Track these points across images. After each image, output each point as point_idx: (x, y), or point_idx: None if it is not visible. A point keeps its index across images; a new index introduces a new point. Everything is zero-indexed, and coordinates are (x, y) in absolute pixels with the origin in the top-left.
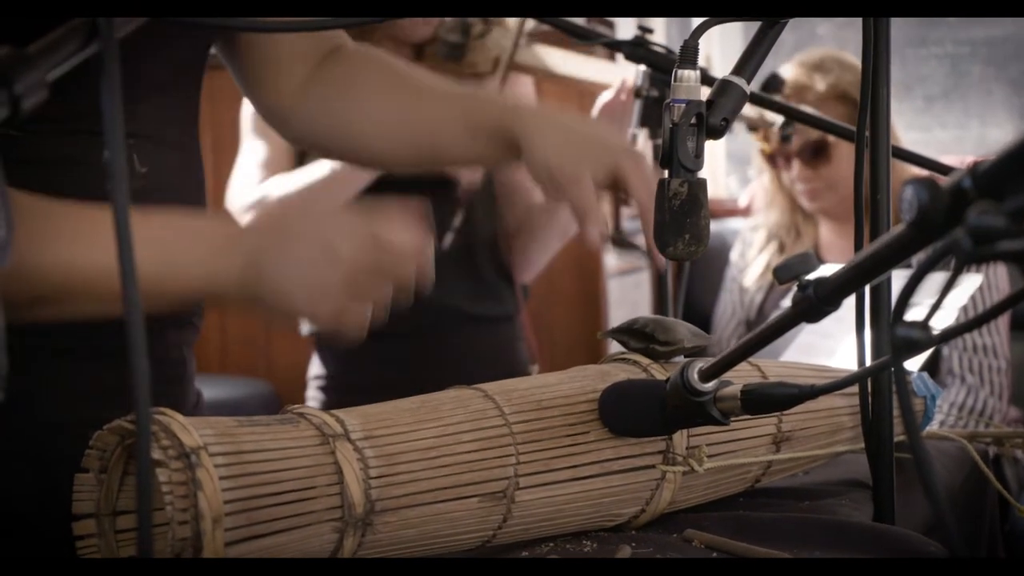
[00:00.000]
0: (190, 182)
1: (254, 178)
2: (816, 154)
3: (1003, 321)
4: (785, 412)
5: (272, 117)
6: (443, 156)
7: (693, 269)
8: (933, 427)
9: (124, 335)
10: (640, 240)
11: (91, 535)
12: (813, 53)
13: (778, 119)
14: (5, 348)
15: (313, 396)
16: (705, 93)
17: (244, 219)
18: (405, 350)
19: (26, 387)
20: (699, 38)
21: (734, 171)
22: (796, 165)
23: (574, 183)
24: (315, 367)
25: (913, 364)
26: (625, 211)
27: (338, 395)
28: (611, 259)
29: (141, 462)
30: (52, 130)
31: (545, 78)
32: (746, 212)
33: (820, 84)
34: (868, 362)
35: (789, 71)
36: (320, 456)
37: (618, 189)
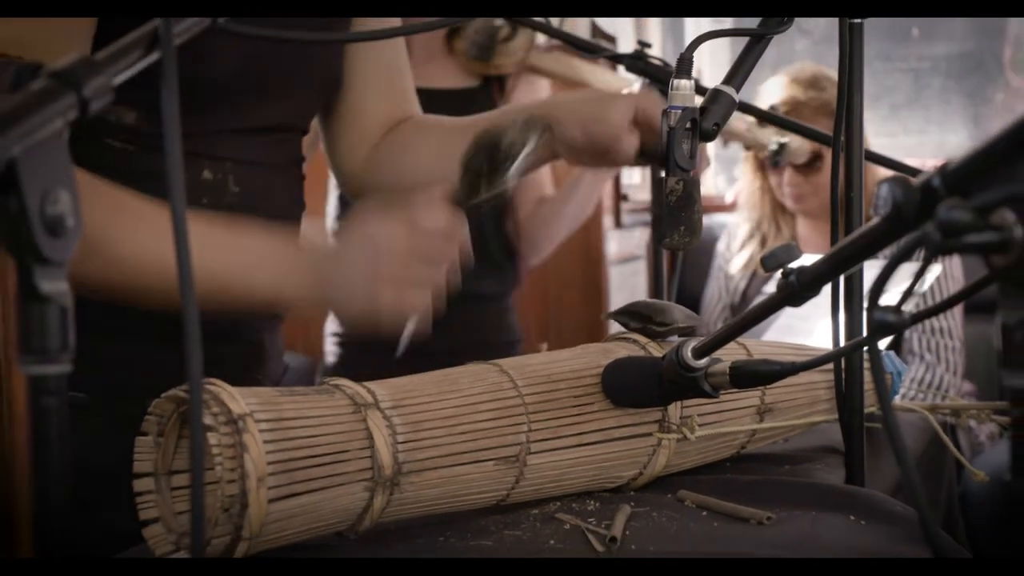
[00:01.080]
0: (285, 202)
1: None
2: (809, 164)
3: (957, 305)
4: (768, 386)
5: (343, 179)
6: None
7: (685, 258)
8: (897, 400)
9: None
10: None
11: (149, 492)
12: (805, 70)
13: (770, 143)
14: (73, 325)
15: (331, 351)
16: (698, 101)
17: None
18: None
19: (98, 361)
20: (693, 51)
21: (722, 171)
22: (788, 172)
23: (602, 123)
24: (331, 324)
25: (881, 344)
26: (624, 205)
27: (351, 351)
28: (612, 249)
29: (194, 427)
30: (145, 146)
31: (559, 81)
32: (731, 208)
33: (814, 100)
34: (842, 342)
35: (784, 87)
36: (353, 423)
37: (640, 124)
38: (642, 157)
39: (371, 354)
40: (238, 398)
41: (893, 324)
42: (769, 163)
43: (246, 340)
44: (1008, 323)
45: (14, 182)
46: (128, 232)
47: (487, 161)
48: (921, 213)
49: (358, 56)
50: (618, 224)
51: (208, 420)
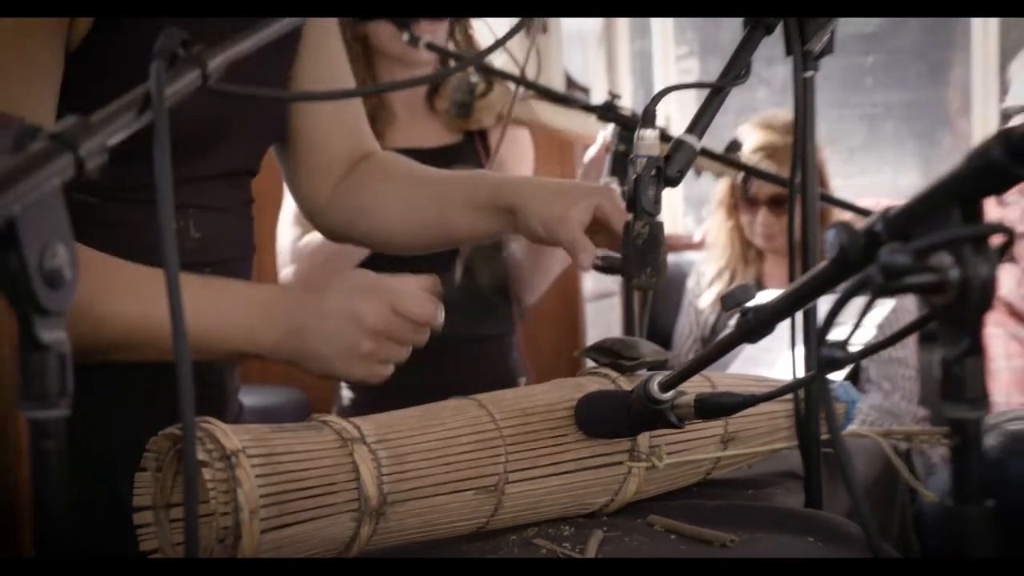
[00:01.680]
0: (240, 242)
1: (290, 233)
2: (780, 204)
3: (911, 336)
4: (731, 416)
5: (310, 214)
6: (452, 235)
7: (657, 294)
8: (854, 427)
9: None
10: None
11: (149, 524)
12: (778, 117)
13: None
14: (71, 371)
15: (345, 395)
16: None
17: (286, 266)
18: (417, 360)
19: (92, 405)
20: (656, 104)
21: (691, 212)
22: (762, 212)
23: (563, 224)
24: None
25: (838, 375)
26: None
27: (361, 391)
28: (588, 286)
29: (187, 463)
30: (121, 199)
31: (537, 129)
32: (700, 246)
33: (789, 145)
34: (800, 374)
35: (760, 133)
36: (340, 457)
37: (599, 224)
38: (600, 269)
39: (378, 395)
40: (231, 435)
41: (839, 360)
42: (740, 189)
43: (208, 382)
44: (947, 358)
45: (14, 239)
46: (105, 289)
47: (485, 261)
48: (865, 256)
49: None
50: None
51: (202, 456)
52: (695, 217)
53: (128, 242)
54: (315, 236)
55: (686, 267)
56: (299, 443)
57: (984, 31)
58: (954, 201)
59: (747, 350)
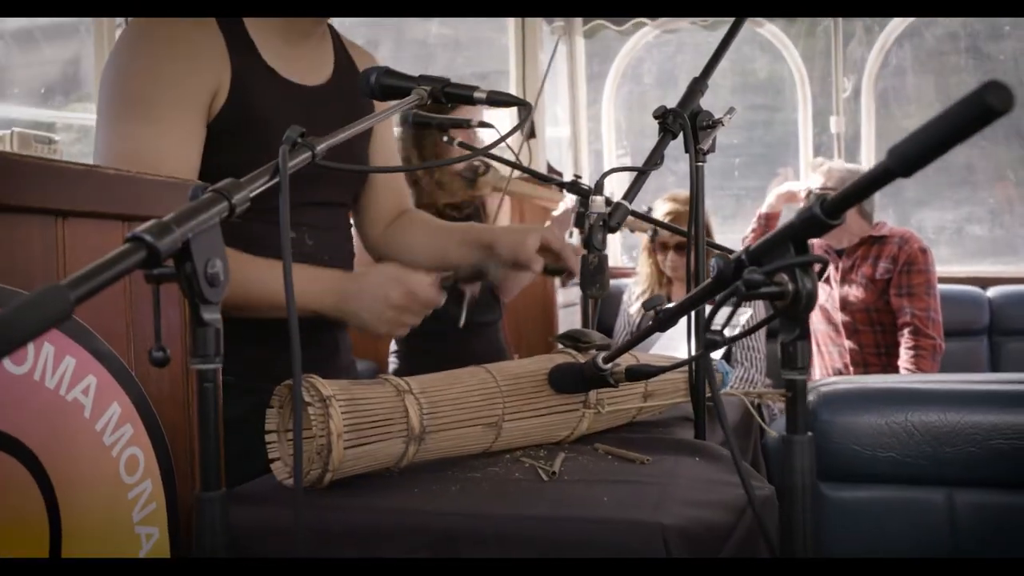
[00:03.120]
0: (341, 250)
1: None
2: (683, 248)
3: (761, 330)
4: (649, 380)
5: (365, 244)
6: (451, 262)
7: (603, 303)
8: (727, 389)
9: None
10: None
11: (273, 442)
12: (681, 194)
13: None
14: (222, 342)
15: (392, 361)
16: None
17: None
18: (439, 340)
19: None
20: (603, 180)
21: (626, 253)
22: (671, 253)
23: (522, 248)
24: (393, 345)
25: (716, 355)
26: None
27: (404, 361)
28: (560, 299)
29: (295, 403)
30: (257, 220)
31: (522, 198)
32: (632, 274)
33: (687, 211)
34: (693, 353)
35: (668, 204)
36: (396, 402)
37: (545, 247)
38: (546, 272)
39: (414, 364)
40: (327, 385)
41: (716, 341)
42: (649, 240)
43: (327, 339)
44: (784, 340)
45: (188, 254)
46: (235, 268)
47: (470, 275)
48: (734, 275)
49: (377, 164)
50: (563, 284)
51: (307, 399)
52: (629, 256)
53: (259, 246)
54: None
55: (622, 287)
56: (370, 392)
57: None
58: (790, 240)
59: (661, 340)
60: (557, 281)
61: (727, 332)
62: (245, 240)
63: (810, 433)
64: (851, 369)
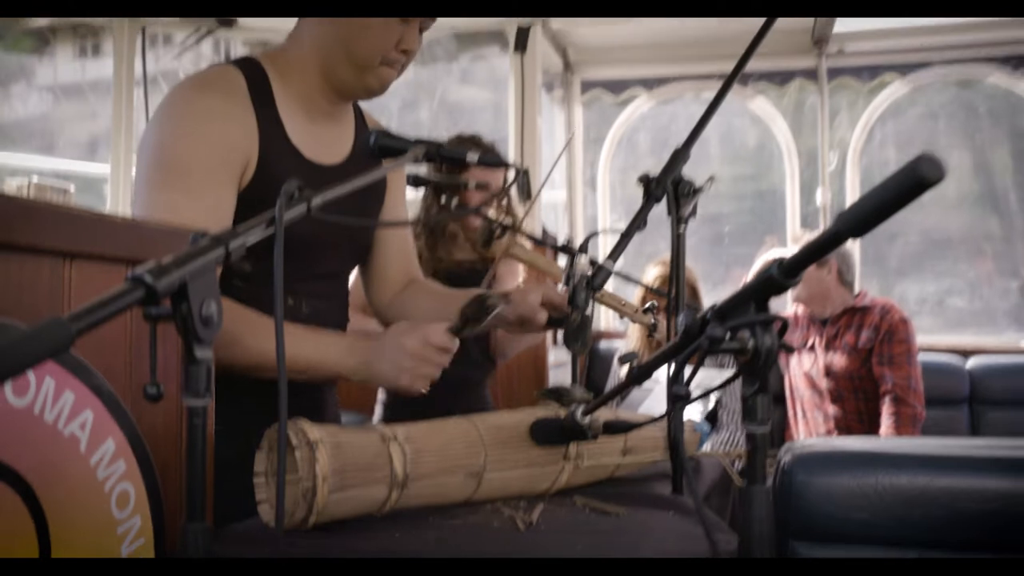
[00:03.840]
0: (336, 317)
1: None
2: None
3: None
4: (629, 434)
5: (375, 309)
6: None
7: (597, 364)
8: (706, 449)
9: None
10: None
11: (262, 484)
12: (667, 258)
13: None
14: (213, 381)
15: (377, 411)
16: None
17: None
18: (430, 394)
19: (236, 412)
20: (587, 242)
21: (616, 319)
22: (660, 317)
23: (524, 304)
24: (380, 395)
25: (697, 416)
26: (559, 334)
27: (389, 411)
28: (551, 357)
29: (280, 447)
30: (253, 284)
31: (526, 262)
32: (623, 335)
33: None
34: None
35: (657, 267)
36: (381, 448)
37: (546, 302)
38: (548, 325)
39: (400, 414)
40: (313, 429)
41: (684, 396)
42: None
43: (313, 396)
44: (745, 395)
45: (185, 295)
46: (249, 334)
47: (474, 313)
48: (700, 331)
49: (389, 237)
50: (555, 343)
51: (295, 442)
52: (621, 323)
53: (260, 308)
54: (360, 322)
55: (614, 349)
56: (356, 438)
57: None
58: (751, 300)
59: (649, 400)
60: (549, 342)
61: (702, 390)
62: (254, 303)
63: (769, 484)
64: (835, 434)
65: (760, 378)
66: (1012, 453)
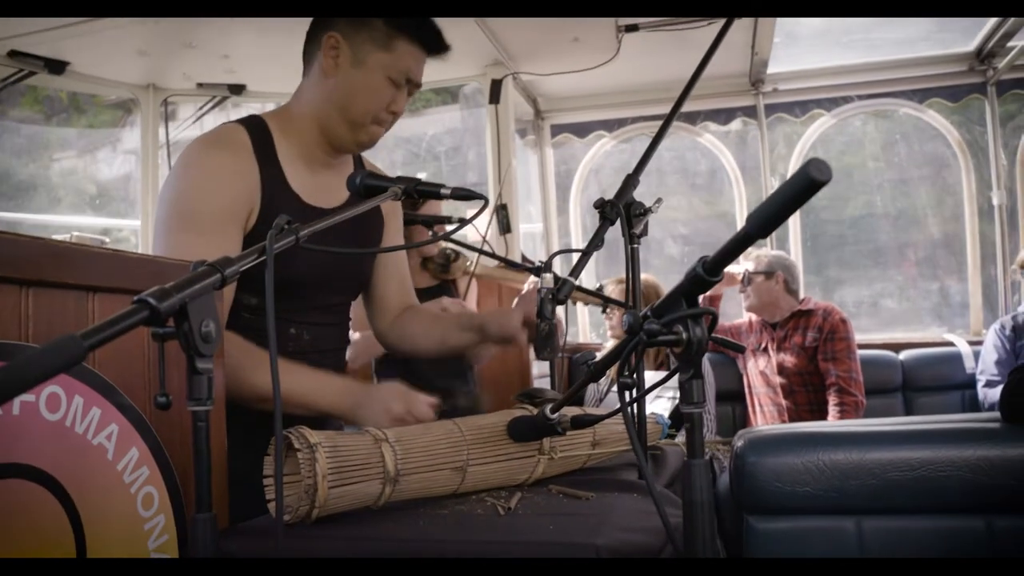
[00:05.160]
0: (336, 342)
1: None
2: None
3: (711, 393)
4: (596, 428)
5: (375, 333)
6: (450, 346)
7: (578, 373)
8: (663, 438)
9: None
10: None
11: (270, 484)
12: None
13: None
14: (214, 389)
15: None
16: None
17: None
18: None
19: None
20: (551, 260)
21: (594, 329)
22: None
23: (508, 324)
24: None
25: (664, 412)
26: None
27: None
28: (534, 369)
29: (277, 451)
30: (259, 316)
31: (491, 280)
32: (599, 348)
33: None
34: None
35: (617, 284)
36: (374, 448)
37: (527, 320)
38: (530, 341)
39: None
40: (313, 434)
41: (629, 384)
42: (602, 312)
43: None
44: (681, 380)
45: (186, 314)
46: (252, 366)
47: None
48: (641, 327)
49: (386, 267)
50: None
51: (297, 445)
52: (596, 333)
53: (261, 340)
54: (359, 334)
55: (592, 360)
56: (351, 440)
57: None
58: (682, 297)
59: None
60: (533, 355)
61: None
62: (256, 332)
63: (707, 458)
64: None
65: (694, 365)
66: (931, 427)
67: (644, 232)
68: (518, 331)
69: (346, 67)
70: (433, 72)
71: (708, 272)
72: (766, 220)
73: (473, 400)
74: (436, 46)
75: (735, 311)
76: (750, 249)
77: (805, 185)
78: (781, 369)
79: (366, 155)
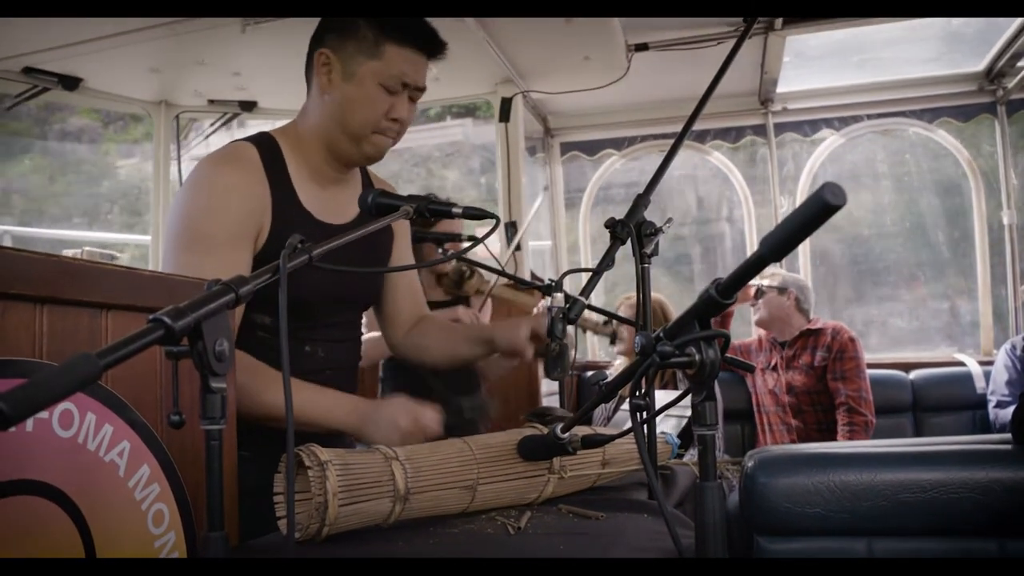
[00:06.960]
0: (349, 359)
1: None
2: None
3: (719, 413)
4: (606, 447)
5: (388, 344)
6: (460, 357)
7: (588, 392)
8: (672, 458)
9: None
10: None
11: (280, 501)
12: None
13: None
14: (227, 408)
15: None
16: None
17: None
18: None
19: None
20: (563, 279)
21: (602, 349)
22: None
23: (516, 338)
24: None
25: (673, 430)
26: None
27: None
28: (543, 387)
29: (288, 469)
30: (273, 336)
31: (503, 300)
32: (608, 366)
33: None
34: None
35: (627, 302)
36: (384, 467)
37: (535, 335)
38: (536, 356)
39: None
40: (324, 452)
41: (642, 406)
42: (609, 342)
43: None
44: (695, 403)
45: (200, 333)
46: (262, 385)
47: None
48: (654, 349)
49: (397, 281)
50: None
51: (308, 463)
52: (606, 352)
53: (276, 359)
54: (368, 335)
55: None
56: (362, 458)
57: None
58: (695, 319)
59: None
60: (541, 372)
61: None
62: (273, 351)
63: (720, 480)
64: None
65: (707, 387)
66: (942, 448)
67: (655, 252)
68: (525, 344)
69: (339, 82)
70: (444, 90)
71: (722, 294)
72: (780, 243)
73: (481, 414)
74: (430, 46)
75: (744, 330)
76: (768, 269)
77: (820, 209)
78: (790, 388)
79: (376, 169)
